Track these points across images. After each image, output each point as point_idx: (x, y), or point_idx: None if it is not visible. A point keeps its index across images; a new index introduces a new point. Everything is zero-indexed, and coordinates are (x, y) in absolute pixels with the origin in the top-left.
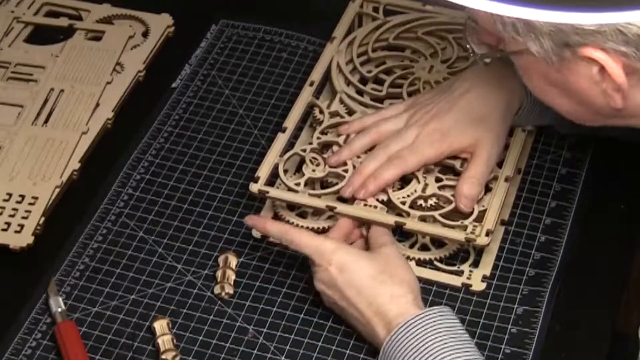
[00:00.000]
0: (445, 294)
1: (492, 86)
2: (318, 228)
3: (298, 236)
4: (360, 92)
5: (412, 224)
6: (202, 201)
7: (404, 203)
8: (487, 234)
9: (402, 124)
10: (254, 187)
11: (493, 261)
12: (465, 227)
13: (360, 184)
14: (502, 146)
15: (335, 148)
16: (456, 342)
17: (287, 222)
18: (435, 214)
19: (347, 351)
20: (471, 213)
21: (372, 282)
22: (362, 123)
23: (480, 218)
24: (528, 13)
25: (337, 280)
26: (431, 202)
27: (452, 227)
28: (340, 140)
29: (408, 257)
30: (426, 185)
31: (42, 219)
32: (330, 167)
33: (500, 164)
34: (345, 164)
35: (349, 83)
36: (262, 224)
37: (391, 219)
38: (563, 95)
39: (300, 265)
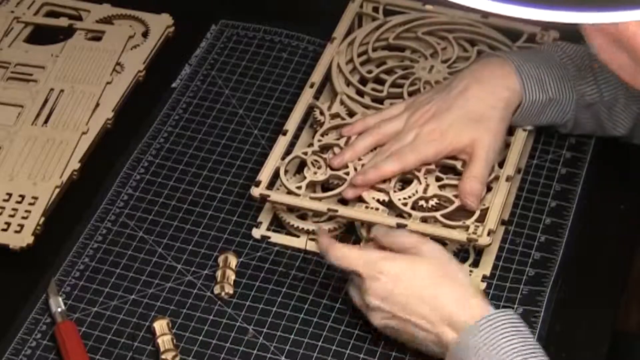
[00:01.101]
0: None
1: (490, 84)
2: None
3: (345, 251)
4: (360, 93)
5: (413, 225)
6: (202, 201)
7: (405, 204)
8: (488, 234)
9: (402, 124)
10: (256, 192)
11: (493, 261)
12: (467, 228)
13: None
14: (501, 145)
15: (336, 150)
16: (531, 348)
17: (288, 224)
18: (437, 214)
19: (347, 351)
20: (473, 213)
21: (434, 286)
22: (364, 124)
23: (481, 218)
24: (528, 13)
25: (395, 290)
26: (432, 202)
27: (454, 227)
28: (341, 142)
29: None
30: (427, 185)
31: (42, 219)
32: (332, 168)
33: (501, 164)
34: (346, 166)
35: (349, 84)
36: (324, 242)
37: (393, 221)
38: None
39: (300, 266)
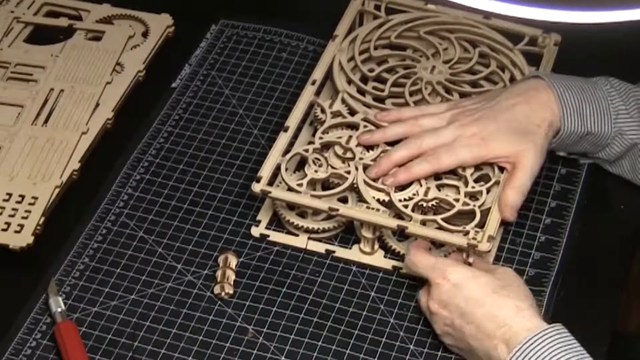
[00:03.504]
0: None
1: (538, 105)
2: (318, 229)
3: (419, 257)
4: (361, 91)
5: (414, 228)
6: (202, 201)
7: (406, 206)
8: (488, 240)
9: (442, 123)
10: (257, 187)
11: (492, 261)
12: (467, 233)
13: (386, 168)
14: (543, 161)
15: (337, 148)
16: None
17: (287, 221)
18: (437, 218)
19: (347, 351)
20: (473, 217)
21: (494, 295)
22: (399, 114)
23: (481, 223)
24: (529, 12)
25: (455, 296)
26: (432, 203)
27: (454, 232)
28: (342, 140)
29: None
30: (428, 189)
31: (42, 219)
32: (360, 142)
33: (501, 169)
34: (348, 165)
35: (350, 82)
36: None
37: (393, 222)
38: None
39: (300, 266)
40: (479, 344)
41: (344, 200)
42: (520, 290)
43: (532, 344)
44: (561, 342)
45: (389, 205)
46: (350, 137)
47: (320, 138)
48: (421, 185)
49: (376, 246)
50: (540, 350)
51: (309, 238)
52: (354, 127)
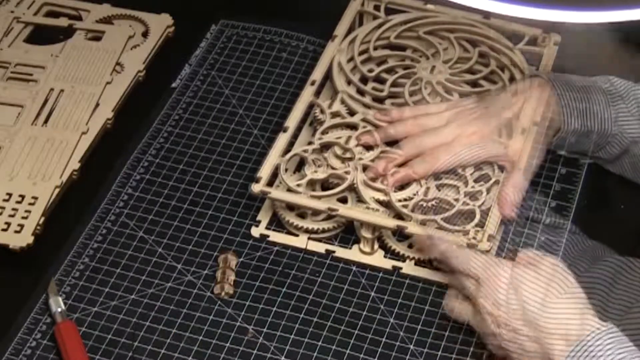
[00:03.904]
0: (446, 294)
1: (537, 104)
2: (318, 229)
3: (466, 253)
4: (361, 92)
5: (413, 228)
6: (202, 201)
7: (405, 206)
8: (488, 239)
9: (441, 123)
10: (256, 188)
11: None
12: (467, 232)
13: (386, 168)
14: (541, 160)
15: (336, 148)
16: None
17: (287, 222)
18: (437, 217)
19: (347, 351)
20: (473, 217)
21: (551, 298)
22: (398, 114)
23: (481, 222)
24: (529, 12)
25: (511, 298)
26: (432, 202)
27: (454, 232)
28: (342, 141)
29: (407, 257)
30: (427, 188)
31: (42, 219)
32: (359, 142)
33: (501, 168)
34: (347, 165)
35: (349, 82)
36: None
37: (393, 223)
38: None
39: (300, 266)
40: (534, 346)
41: (343, 200)
42: (574, 287)
43: (589, 343)
44: (618, 341)
45: (388, 205)
46: (349, 137)
47: (320, 138)
48: (421, 185)
49: (376, 246)
50: (601, 348)
51: (309, 238)
52: (353, 127)
